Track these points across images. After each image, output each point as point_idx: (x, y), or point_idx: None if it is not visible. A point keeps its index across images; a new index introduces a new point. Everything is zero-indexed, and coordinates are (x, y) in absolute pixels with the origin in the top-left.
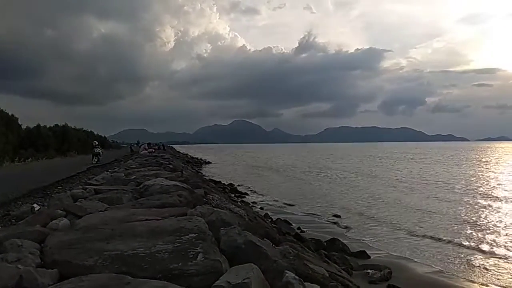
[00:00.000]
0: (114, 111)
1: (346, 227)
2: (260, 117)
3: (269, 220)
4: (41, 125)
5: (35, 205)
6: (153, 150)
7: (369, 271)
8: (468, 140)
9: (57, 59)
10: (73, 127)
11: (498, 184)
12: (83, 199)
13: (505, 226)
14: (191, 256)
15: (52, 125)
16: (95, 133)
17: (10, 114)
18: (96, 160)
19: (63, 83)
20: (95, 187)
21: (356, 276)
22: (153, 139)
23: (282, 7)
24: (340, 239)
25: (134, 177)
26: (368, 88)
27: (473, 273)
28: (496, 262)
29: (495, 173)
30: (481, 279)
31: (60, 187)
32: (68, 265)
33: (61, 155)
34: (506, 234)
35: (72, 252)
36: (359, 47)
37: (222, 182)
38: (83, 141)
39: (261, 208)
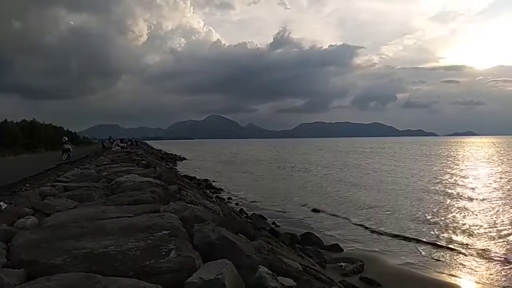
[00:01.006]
0: (85, 106)
1: (320, 221)
2: (235, 112)
3: (244, 215)
4: (8, 120)
5: (1, 203)
6: (125, 146)
7: (342, 264)
8: (437, 135)
9: (26, 52)
10: (41, 122)
11: (459, 179)
12: (52, 197)
13: (465, 220)
14: (164, 253)
15: (19, 120)
16: (65, 128)
17: None
18: (66, 156)
19: (31, 77)
20: (64, 184)
21: (330, 269)
22: (126, 135)
23: (256, 2)
24: (314, 233)
25: (105, 173)
26: (341, 84)
27: (441, 264)
28: (461, 254)
29: (457, 168)
30: (448, 270)
31: (28, 185)
32: (35, 265)
33: (29, 151)
34: (468, 228)
35: (39, 251)
36: (333, 43)
37: (197, 178)
38: (52, 137)
39: (236, 204)
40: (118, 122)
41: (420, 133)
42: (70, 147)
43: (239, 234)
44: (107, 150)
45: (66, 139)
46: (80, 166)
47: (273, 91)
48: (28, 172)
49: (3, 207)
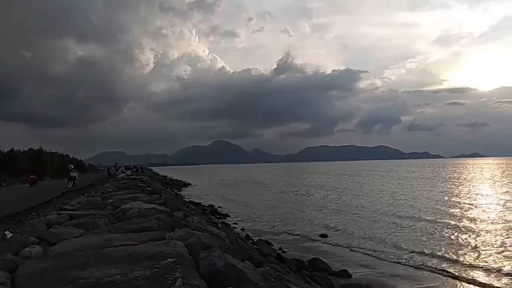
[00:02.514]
0: (91, 134)
1: (327, 247)
2: (240, 137)
3: (250, 241)
4: (15, 149)
5: (7, 232)
6: (130, 173)
7: None
8: (443, 157)
9: (34, 82)
10: (48, 150)
11: (469, 201)
12: (57, 225)
13: (477, 243)
14: (170, 281)
15: (26, 149)
16: (71, 156)
17: None
18: (71, 184)
19: (39, 106)
20: (70, 212)
21: None
22: (131, 161)
23: (261, 30)
24: (321, 258)
25: (111, 200)
26: (345, 108)
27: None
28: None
29: (467, 189)
30: None
31: (34, 213)
32: None
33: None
34: (481, 253)
35: (44, 281)
36: (336, 68)
37: (202, 204)
38: (58, 165)
39: (242, 229)
40: (124, 149)
41: (426, 155)
42: (76, 174)
43: (246, 261)
44: (113, 177)
45: (72, 167)
46: (85, 194)
47: (277, 116)
48: (34, 201)
49: (8, 236)
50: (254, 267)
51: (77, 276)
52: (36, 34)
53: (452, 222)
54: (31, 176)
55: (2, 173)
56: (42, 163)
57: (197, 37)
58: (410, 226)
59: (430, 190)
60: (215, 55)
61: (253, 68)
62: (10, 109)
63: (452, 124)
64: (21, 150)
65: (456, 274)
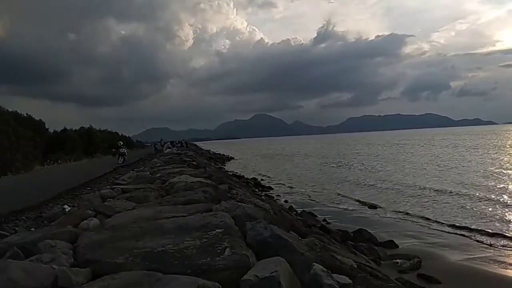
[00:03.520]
0: (137, 111)
1: (373, 217)
2: (280, 110)
3: (294, 213)
4: (68, 128)
5: (65, 206)
6: (176, 148)
7: (398, 260)
8: (496, 124)
9: (80, 63)
10: (98, 128)
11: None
12: (111, 199)
13: None
14: (219, 251)
15: (78, 128)
16: (120, 133)
17: (37, 119)
18: (122, 160)
19: (87, 86)
20: (122, 186)
21: (385, 266)
22: (176, 137)
23: None
24: (367, 229)
25: (159, 175)
26: (389, 75)
27: (507, 259)
28: None
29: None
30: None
31: (89, 188)
32: (100, 264)
33: (88, 157)
34: None
35: (103, 251)
36: (380, 34)
37: (246, 177)
38: (109, 142)
39: (286, 201)
40: (169, 125)
41: (477, 122)
42: (125, 151)
43: (291, 232)
44: (160, 153)
45: (122, 143)
46: (135, 169)
47: (318, 87)
48: (88, 177)
49: (67, 210)
50: (299, 238)
51: (132, 246)
52: (79, 16)
53: (501, 196)
54: (113, 150)
55: (58, 151)
56: (93, 141)
57: (234, 9)
58: (458, 198)
59: (480, 161)
60: (254, 27)
61: (292, 38)
62: (60, 90)
63: (506, 88)
64: (73, 129)
65: (508, 237)
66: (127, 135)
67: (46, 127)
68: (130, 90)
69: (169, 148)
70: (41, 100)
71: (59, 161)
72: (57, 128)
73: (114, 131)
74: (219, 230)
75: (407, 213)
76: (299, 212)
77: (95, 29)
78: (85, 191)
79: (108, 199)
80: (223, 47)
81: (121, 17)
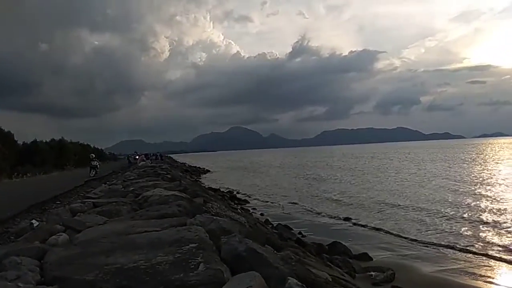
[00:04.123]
0: (110, 123)
1: (347, 230)
2: (256, 123)
3: (270, 226)
4: (38, 140)
5: (33, 221)
6: (150, 160)
7: (372, 273)
8: (464, 138)
9: (52, 74)
10: (69, 140)
11: (492, 181)
12: (82, 213)
13: (502, 223)
14: (192, 266)
15: (48, 140)
16: (92, 145)
17: (6, 130)
18: (93, 173)
19: (59, 97)
20: (93, 200)
21: (359, 279)
22: (150, 150)
23: (275, 14)
24: (341, 242)
25: (132, 188)
26: (362, 90)
27: (477, 271)
28: (498, 260)
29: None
30: (485, 277)
31: (59, 202)
32: (68, 281)
33: (58, 169)
34: (505, 231)
35: (72, 267)
36: (353, 49)
37: (221, 190)
38: (80, 154)
39: (261, 214)
40: (143, 137)
41: (446, 136)
42: (97, 163)
43: (266, 245)
44: (133, 165)
45: (94, 156)
46: (107, 182)
47: (293, 100)
48: (58, 190)
49: (35, 225)
50: (275, 251)
51: (103, 262)
52: (51, 26)
53: (472, 203)
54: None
55: (26, 163)
56: (64, 153)
57: (211, 23)
58: (430, 209)
59: (449, 172)
60: (230, 41)
61: (268, 52)
62: (31, 101)
63: (473, 103)
64: (44, 141)
65: (477, 252)
66: (99, 148)
67: (15, 139)
68: (103, 102)
69: (143, 161)
70: (11, 112)
71: (28, 174)
72: (27, 140)
73: (86, 143)
74: (193, 245)
75: (380, 227)
76: (275, 225)
77: (68, 40)
78: (55, 205)
79: (79, 214)
80: (199, 59)
81: (95, 27)
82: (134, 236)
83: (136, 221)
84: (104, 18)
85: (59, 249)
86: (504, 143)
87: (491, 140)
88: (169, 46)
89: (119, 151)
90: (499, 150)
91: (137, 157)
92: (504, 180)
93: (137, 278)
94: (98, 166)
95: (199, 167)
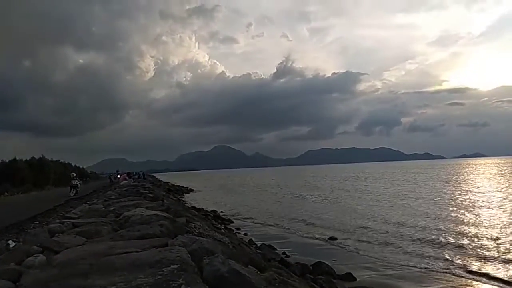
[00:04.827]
0: (92, 142)
1: (331, 249)
2: (241, 142)
3: (254, 246)
4: (17, 158)
5: (10, 241)
6: (132, 179)
7: None
8: (444, 158)
9: (35, 91)
10: (50, 159)
11: (472, 201)
12: (60, 234)
13: (485, 243)
14: None
15: (28, 158)
16: (73, 164)
17: None
18: (74, 192)
19: (41, 115)
20: (73, 220)
21: None
22: (133, 168)
23: (260, 36)
24: (325, 262)
25: (113, 208)
26: (345, 110)
27: None
28: (477, 283)
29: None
30: None
31: (37, 222)
32: None
33: (38, 189)
34: (489, 253)
35: None
36: (336, 71)
37: (205, 209)
38: (61, 173)
39: (245, 234)
40: (126, 156)
41: (427, 156)
42: (78, 182)
43: (249, 266)
44: (115, 184)
45: (74, 175)
46: (88, 202)
47: (278, 120)
48: (36, 210)
49: (11, 246)
50: (258, 272)
51: (80, 285)
52: (35, 42)
53: (454, 224)
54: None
55: (5, 182)
56: (44, 172)
57: (197, 43)
58: (414, 228)
59: (430, 192)
60: (215, 61)
61: (253, 73)
62: (12, 118)
63: (453, 124)
64: (23, 159)
65: (456, 273)
66: (81, 166)
67: None
68: (86, 120)
69: (125, 179)
70: None
71: (6, 193)
72: (6, 158)
73: (67, 162)
74: (175, 266)
75: (365, 244)
76: (259, 245)
77: (51, 57)
78: (33, 225)
79: (57, 234)
80: (184, 79)
81: (80, 45)
82: (114, 257)
83: (117, 241)
84: (89, 36)
85: (36, 271)
86: (482, 163)
87: (470, 160)
88: (154, 65)
89: (101, 170)
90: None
91: (118, 176)
92: (481, 202)
93: None
94: (79, 185)
95: (182, 186)
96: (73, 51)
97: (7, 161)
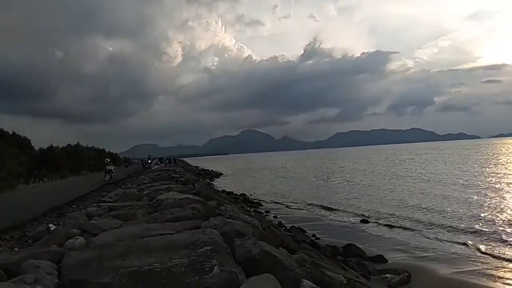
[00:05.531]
0: (124, 128)
1: (362, 232)
2: (269, 126)
3: (283, 228)
4: (54, 145)
5: (50, 225)
6: (164, 164)
7: (387, 275)
8: (480, 138)
9: (67, 79)
10: (84, 145)
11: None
12: (97, 217)
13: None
14: (207, 269)
15: (64, 145)
16: (107, 150)
17: (22, 136)
18: (108, 177)
19: (74, 103)
20: (109, 204)
21: (375, 281)
22: (164, 153)
23: (287, 17)
24: (356, 244)
25: (146, 192)
26: (375, 91)
27: (495, 272)
28: None
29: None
30: (503, 279)
31: (75, 206)
32: (85, 284)
33: (74, 174)
34: None
35: (88, 270)
36: (365, 51)
37: (235, 193)
38: (95, 159)
39: (275, 217)
40: (156, 141)
41: (462, 136)
42: (112, 168)
43: (280, 248)
44: (147, 169)
45: (108, 160)
46: (122, 186)
47: (305, 103)
48: (74, 194)
49: (52, 229)
50: (289, 254)
51: (118, 265)
52: (66, 33)
53: (487, 210)
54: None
55: (43, 168)
56: (80, 158)
57: (223, 27)
58: (446, 211)
59: (465, 173)
60: (242, 44)
61: (280, 55)
62: (46, 106)
63: (488, 102)
64: (59, 146)
65: (495, 254)
66: (114, 152)
67: (32, 144)
68: (117, 107)
69: (157, 164)
70: (26, 117)
71: (45, 179)
72: (43, 145)
73: (101, 148)
74: (208, 248)
75: (396, 227)
76: (288, 227)
77: (81, 46)
78: (71, 209)
79: (94, 217)
80: (211, 64)
81: (109, 34)
82: (149, 239)
83: (151, 224)
84: (118, 24)
85: (76, 253)
86: None
87: (508, 139)
88: (182, 51)
89: (133, 155)
90: None
91: (149, 161)
92: None
93: (153, 280)
94: (113, 170)
95: (212, 171)
96: (102, 39)
97: (45, 148)
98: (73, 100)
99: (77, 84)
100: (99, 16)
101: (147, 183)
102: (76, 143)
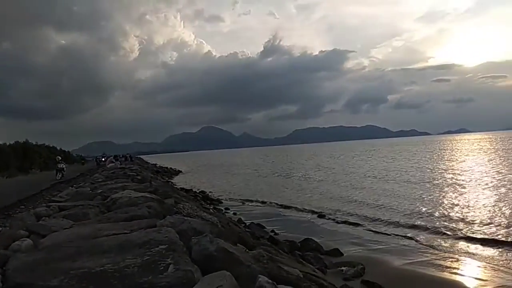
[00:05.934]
0: (77, 124)
1: (319, 226)
2: (228, 122)
3: (243, 225)
4: (0, 142)
5: None
6: (120, 162)
7: (342, 268)
8: (430, 134)
9: (16, 73)
10: (34, 143)
11: (455, 174)
12: (47, 217)
13: (468, 213)
14: (162, 268)
15: (12, 142)
16: (58, 148)
17: None
18: (60, 176)
19: (23, 98)
20: (59, 204)
21: (330, 274)
22: (120, 151)
23: (246, 14)
24: (313, 238)
25: (100, 190)
26: (333, 89)
27: (445, 263)
28: (465, 251)
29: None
30: (452, 268)
31: (23, 206)
32: None
33: (23, 173)
34: (472, 221)
35: (35, 273)
36: (323, 49)
37: (194, 190)
38: (46, 157)
39: (234, 214)
40: (112, 139)
41: (413, 133)
42: (64, 166)
43: (238, 245)
44: (102, 167)
45: (60, 158)
46: (74, 185)
47: (265, 99)
48: (22, 194)
49: None
50: (247, 250)
51: (68, 267)
52: (14, 23)
53: (436, 203)
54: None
55: None
56: (29, 156)
57: (182, 22)
58: (398, 204)
59: (415, 167)
60: (201, 40)
61: (239, 52)
62: None
63: (438, 100)
64: (7, 143)
65: (442, 245)
66: (66, 150)
67: None
68: (70, 103)
69: (112, 162)
70: None
71: None
72: None
73: (52, 146)
74: (163, 247)
75: (351, 222)
76: (247, 224)
77: (31, 38)
78: (19, 210)
79: (44, 218)
80: (170, 58)
81: (61, 26)
82: (101, 240)
83: (104, 224)
84: (71, 17)
85: (22, 255)
86: (467, 139)
87: (456, 136)
88: (139, 45)
89: (87, 153)
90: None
91: (103, 159)
92: (465, 175)
93: (104, 282)
94: (65, 168)
95: (170, 168)
96: (54, 32)
97: None
98: (23, 95)
99: (27, 79)
100: (50, 8)
101: (101, 181)
102: (25, 140)
